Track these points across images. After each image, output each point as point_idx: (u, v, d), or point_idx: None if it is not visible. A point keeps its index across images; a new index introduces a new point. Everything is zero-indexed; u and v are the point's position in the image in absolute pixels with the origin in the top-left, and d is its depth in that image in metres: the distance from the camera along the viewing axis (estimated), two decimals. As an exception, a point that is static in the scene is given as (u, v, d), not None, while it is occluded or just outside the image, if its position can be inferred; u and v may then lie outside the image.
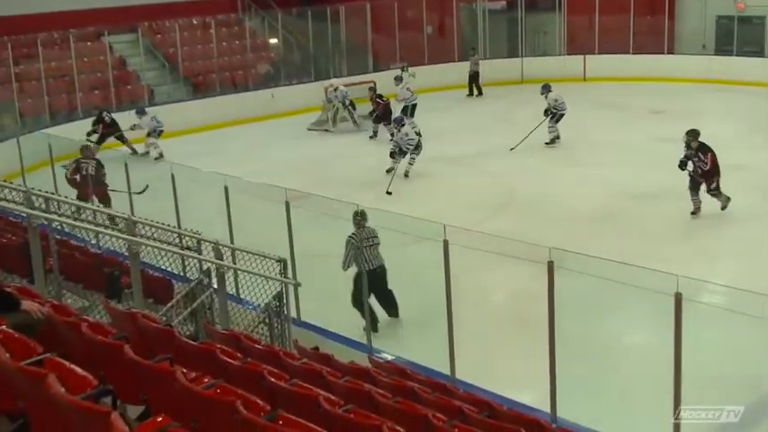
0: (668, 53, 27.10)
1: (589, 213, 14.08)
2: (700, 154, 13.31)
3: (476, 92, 26.00)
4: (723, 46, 26.86)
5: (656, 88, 24.80)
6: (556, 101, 19.02)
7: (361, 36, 27.36)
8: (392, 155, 16.71)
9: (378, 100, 20.66)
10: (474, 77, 26.05)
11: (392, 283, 11.18)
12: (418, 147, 16.64)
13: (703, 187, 13.46)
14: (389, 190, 15.50)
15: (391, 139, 18.97)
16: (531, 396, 8.22)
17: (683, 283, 6.51)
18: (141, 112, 19.82)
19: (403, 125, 16.84)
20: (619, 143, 18.68)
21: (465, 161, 17.95)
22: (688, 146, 13.46)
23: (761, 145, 17.85)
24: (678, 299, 6.48)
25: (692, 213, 13.49)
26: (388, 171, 16.61)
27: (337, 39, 26.86)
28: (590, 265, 7.83)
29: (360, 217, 9.94)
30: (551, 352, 7.62)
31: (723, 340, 9.07)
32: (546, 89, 19.25)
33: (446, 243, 8.14)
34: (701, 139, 13.49)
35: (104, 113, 19.78)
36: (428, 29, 28.20)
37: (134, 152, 19.23)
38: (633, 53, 26.99)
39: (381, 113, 20.37)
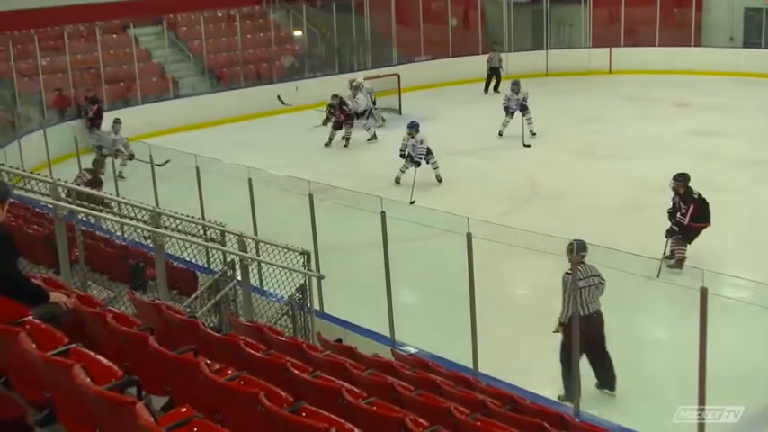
0: (695, 45, 26.85)
1: (614, 206, 14.01)
2: (681, 203, 11.39)
3: (491, 89, 25.27)
4: (751, 39, 26.60)
5: (682, 81, 24.62)
6: (526, 93, 19.27)
7: (385, 28, 27.32)
8: (402, 156, 16.07)
9: (344, 108, 19.79)
10: (495, 73, 25.38)
11: (415, 277, 11.20)
12: (430, 152, 15.96)
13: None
14: (413, 199, 14.68)
15: (345, 145, 19.12)
16: (555, 390, 8.21)
17: (708, 278, 6.46)
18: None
19: (417, 131, 15.94)
20: (644, 136, 18.56)
21: (488, 154, 17.91)
22: (676, 192, 11.53)
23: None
24: (703, 293, 6.43)
25: (670, 264, 11.27)
26: (398, 181, 16.01)
27: (362, 31, 26.83)
28: (614, 259, 7.81)
29: (580, 251, 8.11)
30: (574, 346, 7.59)
31: (749, 335, 9.02)
32: (517, 85, 19.44)
33: (470, 236, 8.11)
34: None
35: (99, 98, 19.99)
36: (453, 21, 28.10)
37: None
38: (659, 45, 26.76)
39: (342, 121, 19.68)
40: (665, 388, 8.20)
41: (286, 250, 8.99)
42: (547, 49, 27.44)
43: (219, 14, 25.64)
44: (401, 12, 27.27)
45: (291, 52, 26.33)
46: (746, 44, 26.64)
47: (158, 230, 7.95)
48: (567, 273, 8.01)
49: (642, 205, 13.95)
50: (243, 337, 5.26)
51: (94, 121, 19.57)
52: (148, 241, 8.73)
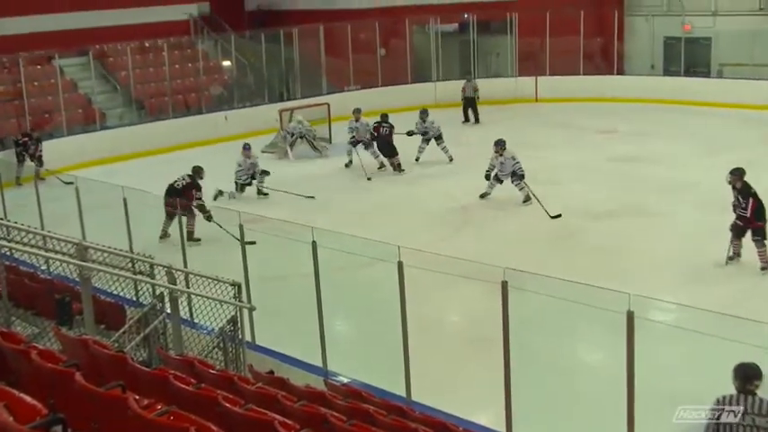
0: (618, 74, 27.54)
1: (544, 232, 14.20)
2: (740, 197, 11.81)
3: (472, 119, 24.96)
4: (671, 66, 27.41)
5: (606, 108, 25.18)
6: (432, 123, 19.92)
7: (314, 58, 27.41)
8: (488, 176, 16.51)
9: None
10: (470, 103, 25.04)
11: (348, 307, 11.18)
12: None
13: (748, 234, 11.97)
14: (556, 213, 14.93)
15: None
16: (487, 417, 8.24)
17: (635, 301, 6.57)
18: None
19: (504, 148, 16.26)
20: (571, 163, 18.89)
21: (419, 181, 18.03)
22: (733, 187, 11.92)
23: (712, 163, 18.11)
24: (630, 316, 6.55)
25: (728, 259, 12.09)
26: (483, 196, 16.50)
27: (291, 61, 26.88)
28: (544, 285, 7.89)
29: (754, 379, 5.88)
30: (506, 372, 7.64)
31: (677, 356, 9.18)
32: (425, 113, 20.15)
33: (401, 264, 8.14)
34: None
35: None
36: (381, 51, 28.32)
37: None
38: (583, 74, 27.36)
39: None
40: (598, 412, 8.29)
41: (216, 282, 8.89)
42: (474, 78, 27.80)
43: (147, 45, 25.41)
44: (330, 42, 27.39)
45: (220, 82, 26.23)
46: (667, 72, 27.44)
47: (85, 264, 7.81)
48: (717, 399, 5.92)
49: (572, 230, 14.19)
50: (173, 371, 5.18)
51: (41, 159, 19.34)
52: (75, 275, 8.56)
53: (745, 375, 5.87)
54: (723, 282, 11.65)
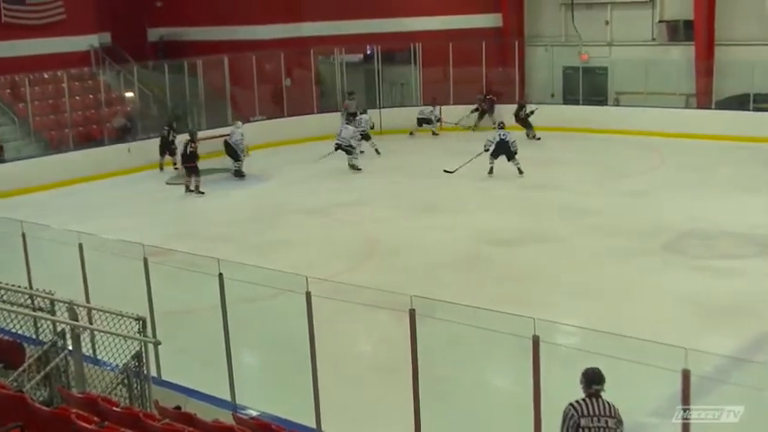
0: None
1: (451, 260, 14.32)
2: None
3: None
4: (570, 95, 28.18)
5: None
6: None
7: (219, 89, 27.24)
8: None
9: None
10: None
11: (256, 338, 11.09)
12: None
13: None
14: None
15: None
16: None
17: (540, 326, 6.68)
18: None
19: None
20: (477, 190, 19.18)
21: (325, 213, 18.00)
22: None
23: (610, 189, 18.71)
24: (535, 341, 6.66)
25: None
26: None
27: (195, 92, 26.67)
28: (452, 312, 7.96)
29: (593, 384, 6.48)
30: (415, 399, 7.67)
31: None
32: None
33: (309, 295, 8.11)
34: None
35: None
36: (287, 81, 28.34)
37: None
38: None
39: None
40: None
41: (120, 317, 8.69)
42: (380, 107, 28.05)
43: (46, 76, 24.85)
44: (235, 72, 27.27)
45: (123, 113, 25.80)
46: (566, 100, 28.21)
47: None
48: (571, 404, 6.43)
49: (479, 257, 14.37)
50: (75, 410, 5.06)
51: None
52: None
53: (589, 380, 6.47)
54: (624, 304, 11.95)
